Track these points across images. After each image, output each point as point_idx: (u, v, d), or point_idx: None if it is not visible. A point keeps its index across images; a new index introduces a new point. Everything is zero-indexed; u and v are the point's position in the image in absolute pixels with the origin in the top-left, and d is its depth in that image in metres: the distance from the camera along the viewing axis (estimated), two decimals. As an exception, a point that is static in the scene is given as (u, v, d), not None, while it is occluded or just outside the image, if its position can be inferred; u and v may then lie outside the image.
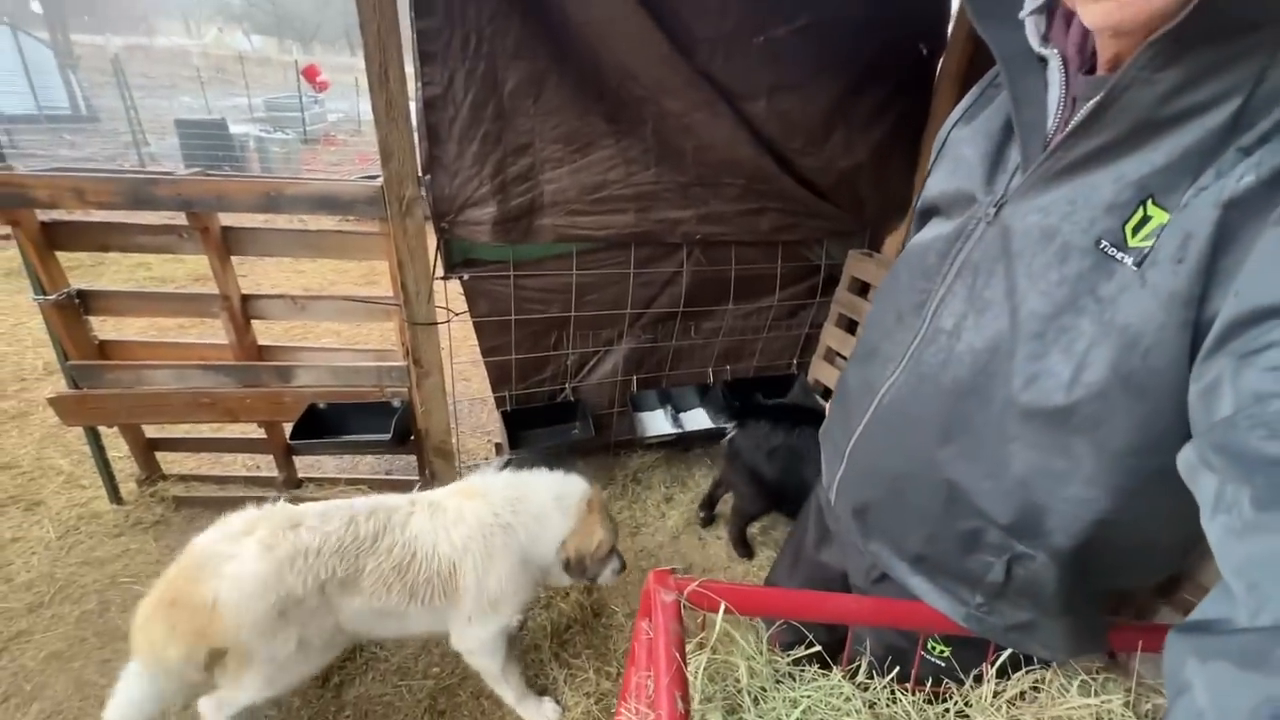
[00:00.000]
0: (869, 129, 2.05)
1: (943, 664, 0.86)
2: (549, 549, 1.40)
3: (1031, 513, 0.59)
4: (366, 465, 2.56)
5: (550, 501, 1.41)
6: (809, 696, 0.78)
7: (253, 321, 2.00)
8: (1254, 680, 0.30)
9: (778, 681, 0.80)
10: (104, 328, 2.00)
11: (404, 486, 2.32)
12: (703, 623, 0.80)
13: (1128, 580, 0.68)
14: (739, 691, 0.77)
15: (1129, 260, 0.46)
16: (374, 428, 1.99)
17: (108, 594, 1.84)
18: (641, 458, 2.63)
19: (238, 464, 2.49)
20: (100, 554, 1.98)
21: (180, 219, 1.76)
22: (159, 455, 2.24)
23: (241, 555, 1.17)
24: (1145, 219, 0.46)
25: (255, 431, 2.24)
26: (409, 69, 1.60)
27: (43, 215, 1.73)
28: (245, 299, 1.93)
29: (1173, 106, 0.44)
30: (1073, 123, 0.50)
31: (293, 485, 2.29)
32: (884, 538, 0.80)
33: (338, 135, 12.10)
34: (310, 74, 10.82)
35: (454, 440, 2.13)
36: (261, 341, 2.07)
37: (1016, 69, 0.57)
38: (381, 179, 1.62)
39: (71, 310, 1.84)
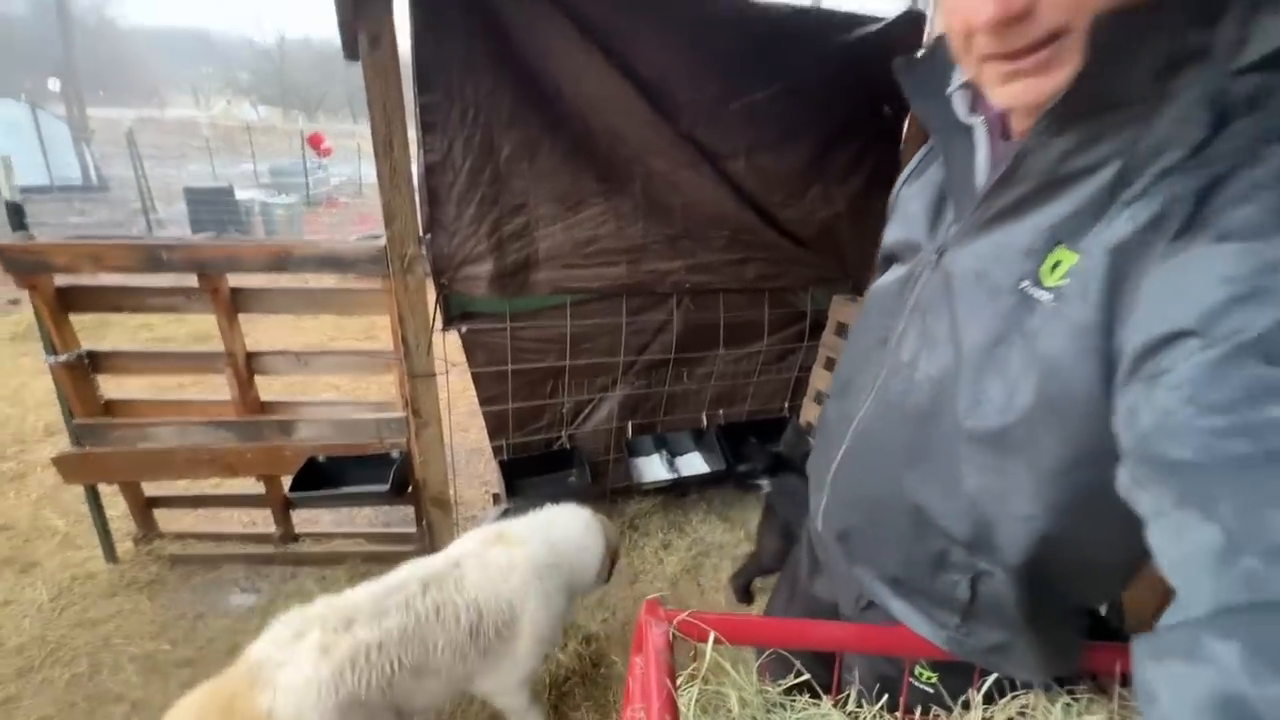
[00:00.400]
0: (845, 182, 2.19)
1: (931, 690, 0.88)
2: (591, 574, 1.51)
3: (984, 530, 0.63)
4: (364, 519, 2.56)
5: (583, 532, 1.52)
6: (800, 723, 0.80)
7: (254, 377, 2.06)
8: (1196, 673, 0.32)
9: (769, 711, 0.82)
10: (107, 386, 2.04)
11: (402, 540, 2.33)
12: (694, 655, 0.82)
13: (1083, 595, 0.71)
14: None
15: (1046, 297, 0.52)
16: (372, 479, 2.02)
17: (99, 656, 1.81)
18: (639, 504, 2.63)
19: (234, 520, 2.49)
20: (93, 615, 1.96)
21: (191, 281, 1.84)
22: (156, 513, 2.25)
23: (296, 661, 1.09)
24: (1058, 261, 0.52)
25: (253, 487, 2.26)
26: (411, 135, 1.72)
27: (59, 280, 1.81)
28: (250, 355, 1.99)
29: (1068, 167, 0.52)
30: (992, 181, 0.58)
31: (289, 540, 2.29)
32: (865, 562, 0.84)
33: (339, 198, 12.51)
34: (315, 141, 11.29)
35: (452, 491, 2.15)
36: (263, 397, 2.12)
37: (947, 137, 0.65)
38: (384, 239, 1.72)
39: (81, 370, 1.90)
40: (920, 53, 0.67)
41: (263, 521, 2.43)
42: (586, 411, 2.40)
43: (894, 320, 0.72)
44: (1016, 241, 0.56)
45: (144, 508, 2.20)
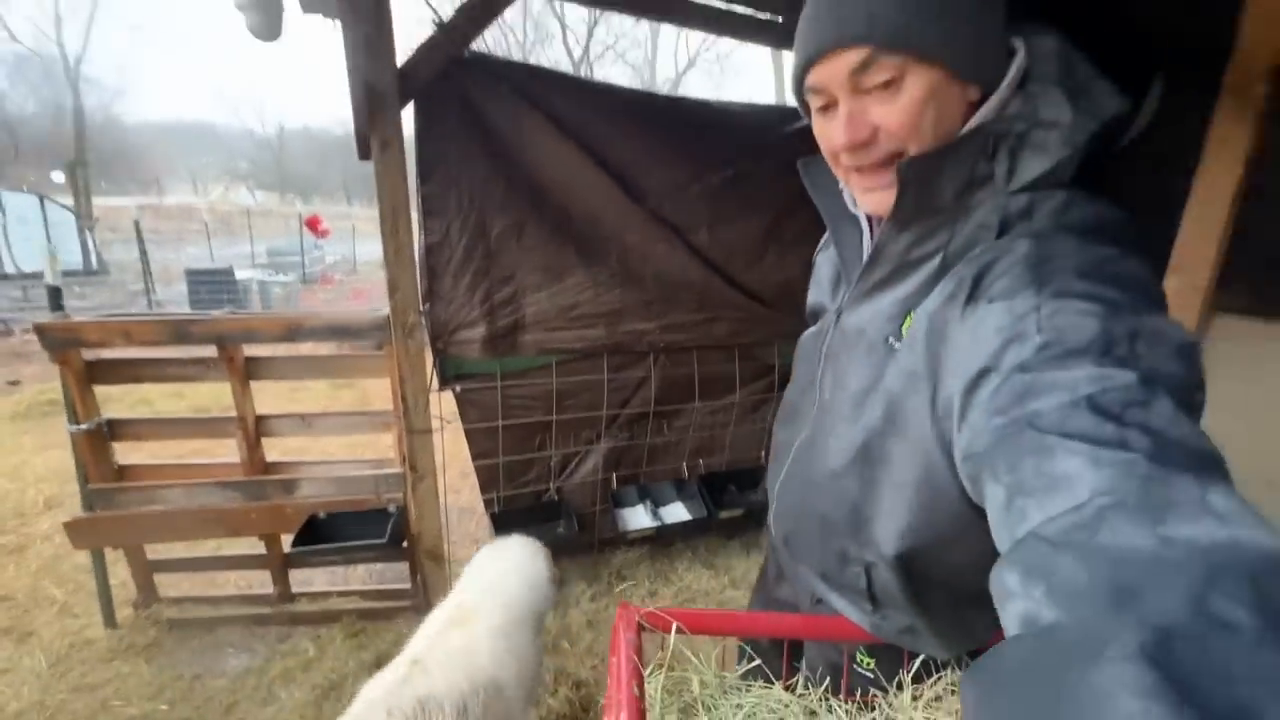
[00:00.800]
0: (798, 246, 2.46)
1: (871, 675, 1.01)
2: (549, 600, 1.57)
3: (865, 527, 0.79)
4: (358, 577, 2.63)
5: (529, 567, 1.58)
6: (752, 703, 0.93)
7: (261, 439, 2.20)
8: (1006, 603, 0.39)
9: (725, 694, 0.95)
10: (120, 453, 2.17)
11: (396, 596, 2.40)
12: (663, 645, 0.96)
13: (966, 585, 0.80)
14: (694, 701, 0.93)
15: (898, 347, 0.70)
16: (370, 535, 2.13)
17: (98, 718, 1.85)
18: (625, 554, 2.73)
19: (230, 584, 2.55)
20: (91, 679, 2.00)
21: (208, 351, 2.02)
22: (156, 578, 2.32)
23: None
24: (909, 324, 0.69)
25: (252, 548, 2.34)
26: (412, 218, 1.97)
27: (87, 354, 1.99)
28: (259, 419, 2.15)
29: (912, 255, 0.67)
30: (865, 262, 0.74)
31: (286, 600, 2.35)
32: (804, 562, 0.98)
33: (334, 275, 12.92)
34: (313, 223, 11.80)
35: (445, 545, 2.26)
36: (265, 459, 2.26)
37: (837, 223, 0.83)
38: (385, 309, 1.93)
39: (100, 438, 2.04)
40: (817, 155, 0.82)
41: (258, 584, 2.49)
42: (573, 464, 2.55)
43: (816, 366, 0.89)
44: (884, 309, 0.71)
45: (146, 572, 2.27)
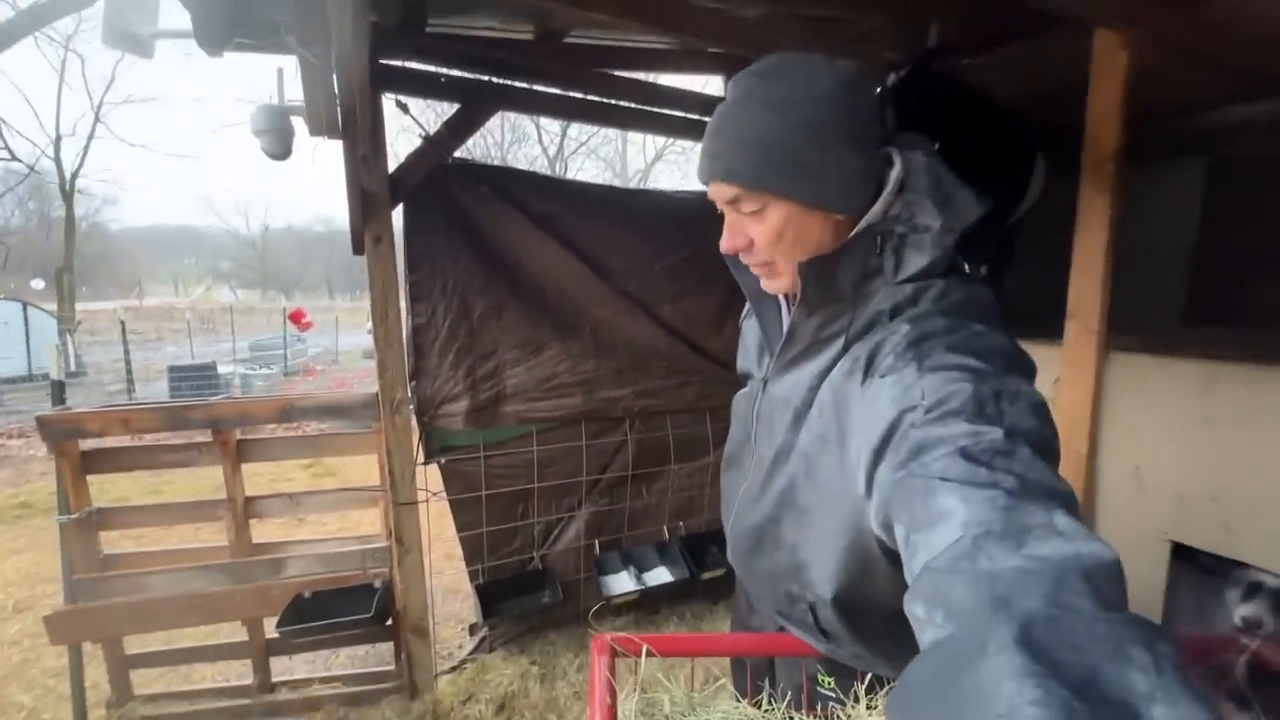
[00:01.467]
0: (757, 316, 2.70)
1: (832, 695, 1.10)
2: None
3: (803, 570, 0.86)
4: (339, 663, 2.58)
5: None
6: (721, 718, 1.02)
7: (249, 521, 2.25)
8: (919, 630, 0.46)
9: (695, 710, 1.04)
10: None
11: (380, 679, 2.37)
12: (634, 668, 1.05)
13: (892, 617, 0.86)
14: (665, 718, 1.01)
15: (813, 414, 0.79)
16: (356, 612, 2.14)
17: (66, 825, 1.77)
18: (611, 623, 2.73)
19: (207, 678, 2.48)
20: (60, 786, 1.92)
21: (202, 437, 2.12)
22: (132, 675, 2.27)
23: None
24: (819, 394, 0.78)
25: (232, 635, 2.32)
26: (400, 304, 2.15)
27: (84, 444, 2.07)
28: (247, 500, 2.21)
29: (820, 336, 0.76)
30: (783, 340, 0.83)
31: (266, 690, 2.30)
32: (762, 596, 1.05)
33: (316, 367, 13.00)
34: (296, 317, 12.02)
35: (430, 620, 2.27)
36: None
37: (757, 299, 0.89)
38: (377, 389, 2.07)
39: (89, 527, 2.08)
40: None
41: (236, 676, 2.44)
42: (556, 532, 2.61)
43: (750, 425, 0.98)
44: (804, 381, 0.80)
45: (122, 669, 2.23)
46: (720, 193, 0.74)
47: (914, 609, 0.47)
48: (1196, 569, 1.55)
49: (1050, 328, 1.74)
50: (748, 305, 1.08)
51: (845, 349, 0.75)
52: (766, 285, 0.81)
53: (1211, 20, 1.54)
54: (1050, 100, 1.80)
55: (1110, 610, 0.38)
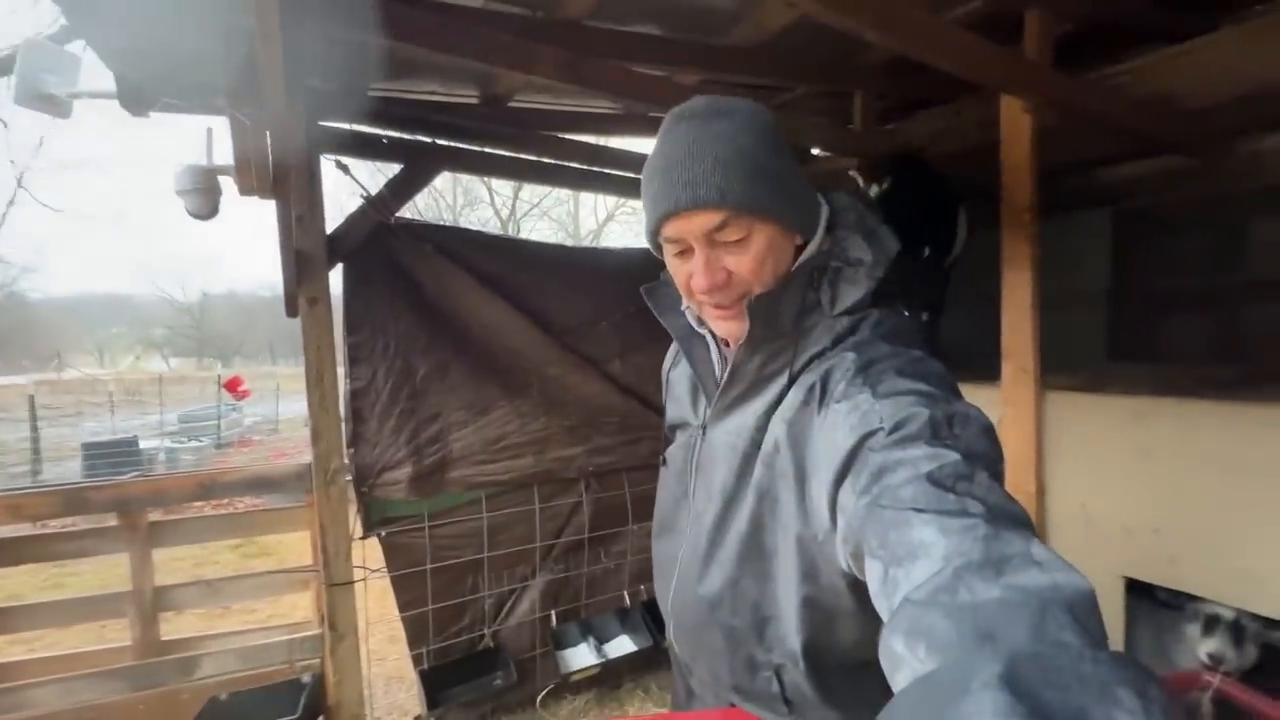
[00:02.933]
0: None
1: None
2: None
3: (767, 626, 0.81)
4: (263, 775, 2.28)
5: None
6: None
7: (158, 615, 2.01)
8: (895, 667, 0.44)
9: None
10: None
11: (307, 789, 2.09)
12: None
13: (859, 670, 0.80)
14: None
15: (760, 454, 0.76)
16: (279, 713, 1.91)
17: None
18: (571, 703, 2.54)
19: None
20: None
21: (106, 520, 1.91)
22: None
23: None
24: (772, 434, 0.75)
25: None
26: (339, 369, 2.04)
27: (-38, 538, 1.83)
28: (157, 590, 1.98)
29: (763, 373, 0.75)
30: (723, 381, 0.80)
31: (171, 816, 2.00)
32: (711, 676, 0.93)
33: (254, 437, 12.26)
34: (232, 385, 11.41)
35: (370, 715, 2.05)
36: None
37: (687, 341, 0.87)
38: (310, 458, 1.93)
39: (-39, 634, 1.80)
40: (659, 281, 0.90)
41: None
42: (509, 604, 2.44)
43: (687, 479, 0.89)
44: (749, 423, 0.77)
45: (-8, 804, 1.89)
46: (703, 222, 0.70)
47: (893, 643, 0.45)
48: (1151, 605, 1.56)
49: (981, 370, 1.80)
50: (671, 356, 1.07)
51: (790, 384, 0.75)
52: (729, 329, 0.77)
53: (1100, 86, 1.71)
54: (969, 158, 1.93)
55: (1094, 645, 0.37)
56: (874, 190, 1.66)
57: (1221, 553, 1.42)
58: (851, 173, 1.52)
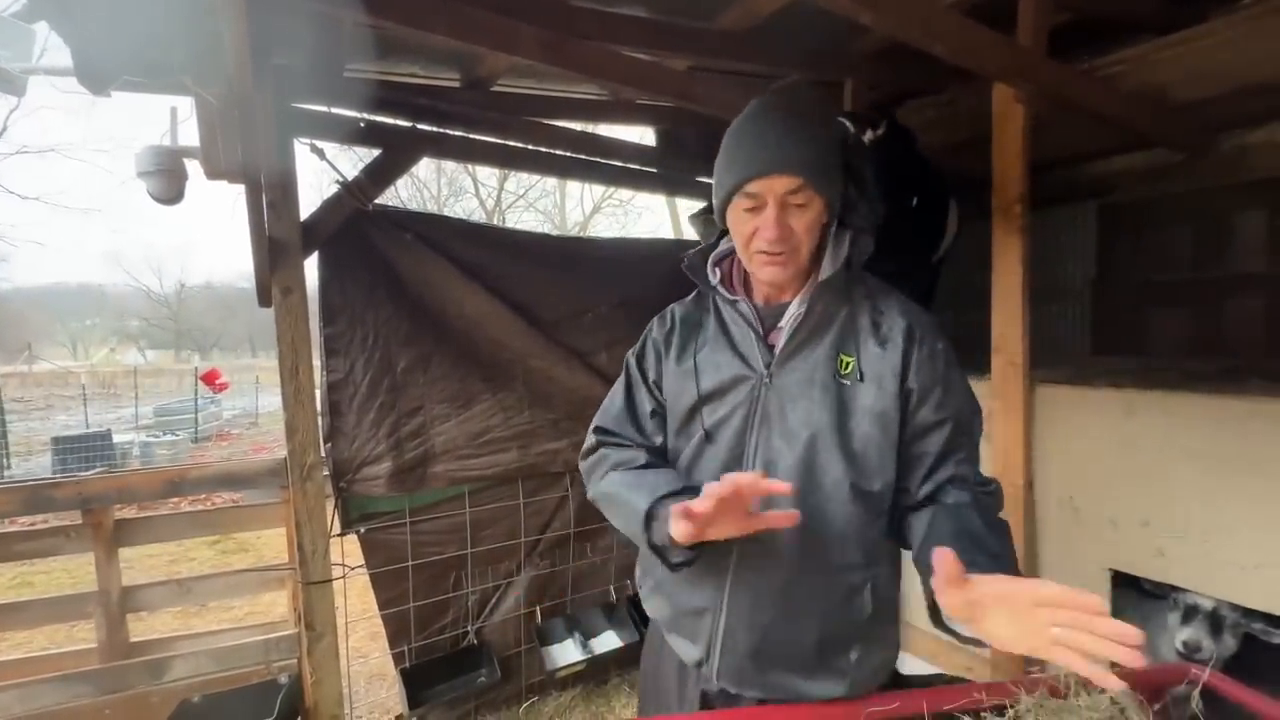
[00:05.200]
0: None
1: None
2: None
3: (866, 546, 0.91)
4: (239, 778, 2.22)
5: None
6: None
7: (126, 616, 1.94)
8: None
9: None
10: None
11: (285, 792, 2.04)
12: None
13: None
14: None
15: (848, 382, 0.92)
16: (255, 714, 1.85)
17: None
18: (557, 699, 2.51)
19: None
20: None
21: (69, 518, 1.83)
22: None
23: None
24: (844, 362, 0.92)
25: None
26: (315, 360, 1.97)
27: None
28: (125, 591, 1.91)
29: (827, 313, 0.93)
30: (790, 327, 0.93)
31: (142, 822, 1.93)
32: (782, 657, 0.93)
33: (232, 430, 12.02)
34: (210, 378, 11.16)
35: (349, 715, 2.00)
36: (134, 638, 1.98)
37: (731, 307, 0.99)
38: (285, 452, 1.86)
39: (-86, 638, 1.72)
40: (689, 264, 1.04)
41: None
42: (493, 601, 2.40)
43: (741, 443, 0.94)
44: (820, 356, 0.93)
45: (-49, 813, 1.82)
46: (784, 184, 0.87)
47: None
48: (1138, 596, 1.57)
49: (967, 363, 1.78)
50: (674, 350, 1.05)
51: (846, 323, 0.94)
52: (773, 274, 0.93)
53: (1092, 77, 1.69)
54: (962, 149, 1.91)
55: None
56: (868, 136, 1.63)
57: (1208, 545, 1.43)
58: (841, 119, 1.51)
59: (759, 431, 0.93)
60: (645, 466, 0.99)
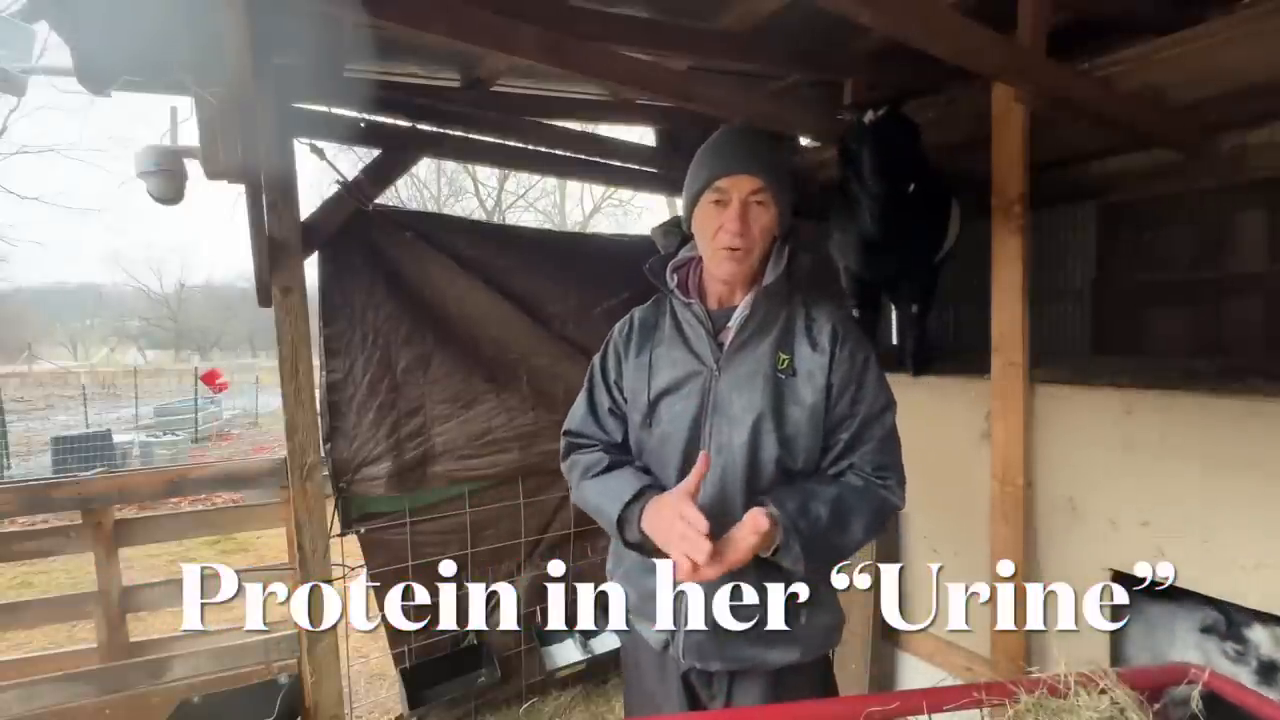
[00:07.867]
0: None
1: None
2: None
3: (788, 454, 1.04)
4: (239, 778, 2.22)
5: None
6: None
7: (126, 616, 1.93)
8: None
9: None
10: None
11: (285, 792, 2.04)
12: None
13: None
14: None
15: (784, 376, 1.03)
16: (255, 714, 1.85)
17: None
18: (556, 699, 2.51)
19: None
20: None
21: (69, 518, 1.83)
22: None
23: None
24: (781, 358, 1.04)
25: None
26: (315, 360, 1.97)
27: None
28: (125, 591, 1.91)
29: (769, 316, 1.05)
30: (737, 325, 1.04)
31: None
32: (737, 628, 1.01)
33: (233, 431, 12.02)
34: (210, 378, 11.15)
35: (349, 715, 2.00)
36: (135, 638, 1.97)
37: (677, 308, 1.10)
38: (285, 452, 1.86)
39: (-86, 638, 1.72)
40: (650, 269, 1.13)
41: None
42: (494, 601, 2.40)
43: (697, 428, 1.05)
44: (763, 352, 1.05)
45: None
46: (750, 183, 1.00)
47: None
48: (1138, 598, 1.56)
49: (968, 363, 1.78)
50: (632, 349, 1.15)
51: (786, 325, 1.07)
52: (730, 270, 1.04)
53: (1092, 77, 1.69)
54: (962, 149, 1.91)
55: None
56: (868, 116, 1.62)
57: (1208, 545, 1.42)
58: (844, 109, 1.53)
59: (712, 419, 1.05)
60: (609, 469, 1.09)
